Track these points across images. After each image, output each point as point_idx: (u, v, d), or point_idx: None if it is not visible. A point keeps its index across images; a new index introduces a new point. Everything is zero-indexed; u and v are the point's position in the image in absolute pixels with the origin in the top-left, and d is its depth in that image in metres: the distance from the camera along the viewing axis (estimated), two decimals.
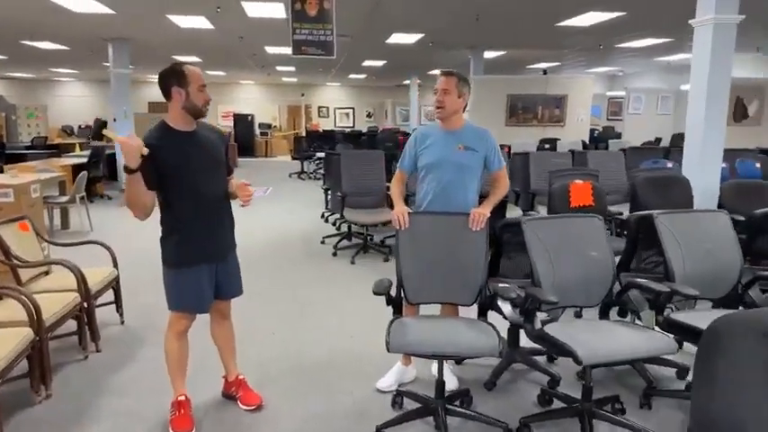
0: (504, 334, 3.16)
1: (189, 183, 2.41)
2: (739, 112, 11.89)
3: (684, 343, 2.90)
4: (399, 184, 2.99)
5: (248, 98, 21.70)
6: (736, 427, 1.15)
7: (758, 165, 6.26)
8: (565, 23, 8.76)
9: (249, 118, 19.30)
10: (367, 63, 14.39)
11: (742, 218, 3.53)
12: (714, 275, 2.81)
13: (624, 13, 7.99)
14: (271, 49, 11.91)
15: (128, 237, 5.76)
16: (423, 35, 10.13)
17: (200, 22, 8.71)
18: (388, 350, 2.35)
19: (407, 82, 18.45)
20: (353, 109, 22.51)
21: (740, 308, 2.83)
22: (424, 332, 2.48)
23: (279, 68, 15.92)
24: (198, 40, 10.57)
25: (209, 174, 2.49)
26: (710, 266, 2.81)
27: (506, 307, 2.74)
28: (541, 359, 3.25)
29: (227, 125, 19.41)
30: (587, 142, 11.40)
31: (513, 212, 5.36)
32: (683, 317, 2.56)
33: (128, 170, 2.26)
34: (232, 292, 2.69)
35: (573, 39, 10.39)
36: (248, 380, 2.89)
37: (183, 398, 2.62)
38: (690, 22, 4.85)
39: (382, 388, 2.91)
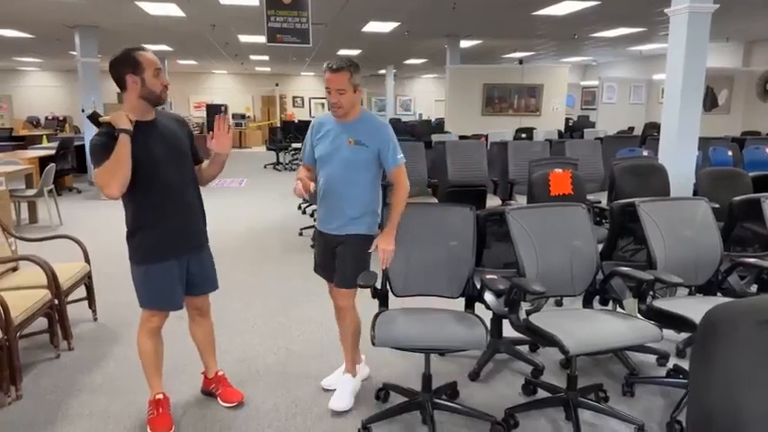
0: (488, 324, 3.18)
1: (152, 175, 2.31)
2: (710, 102, 12.13)
3: (664, 330, 2.93)
4: (303, 173, 2.68)
5: (221, 88, 21.31)
6: (732, 415, 1.15)
7: (730, 152, 6.39)
8: (541, 12, 8.77)
9: (222, 108, 18.96)
10: (343, 52, 14.23)
11: (717, 205, 3.57)
12: (695, 262, 2.83)
13: (599, 2, 8.03)
14: (244, 38, 11.67)
15: (99, 231, 5.59)
16: (399, 24, 10.05)
17: (170, 9, 8.46)
18: (374, 344, 2.30)
19: (383, 72, 18.35)
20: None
21: (719, 294, 2.87)
22: (410, 326, 2.43)
23: (253, 58, 15.64)
24: (168, 28, 10.29)
25: (174, 165, 2.38)
26: (691, 254, 2.83)
27: (490, 297, 2.73)
28: (524, 349, 3.25)
29: (198, 116, 19.05)
30: (563, 131, 11.50)
31: (492, 202, 5.36)
32: (665, 304, 2.58)
33: (121, 131, 2.19)
34: (206, 287, 2.62)
35: (548, 28, 10.43)
36: (228, 376, 2.82)
37: (160, 396, 2.54)
38: (665, 11, 4.88)
39: (338, 409, 2.63)
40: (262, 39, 6.99)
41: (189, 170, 2.47)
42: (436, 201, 5.42)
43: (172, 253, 2.41)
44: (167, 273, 2.41)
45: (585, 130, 11.03)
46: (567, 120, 13.77)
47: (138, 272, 2.41)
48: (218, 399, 2.73)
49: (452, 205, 2.76)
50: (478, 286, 2.64)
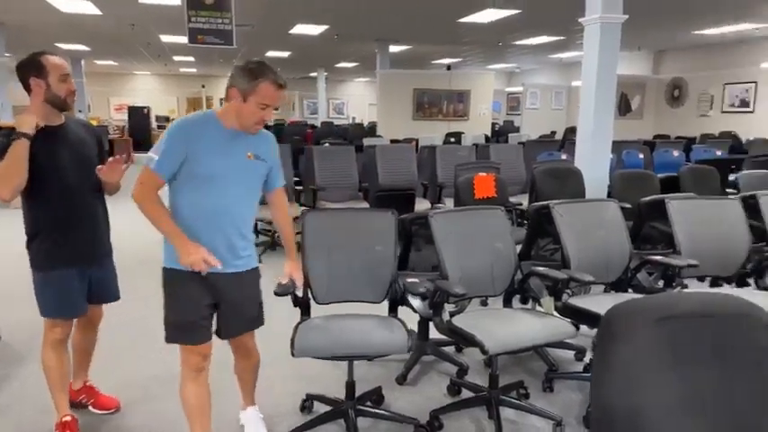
0: (414, 327, 3.20)
1: (54, 181, 2.24)
2: (624, 107, 12.88)
3: (581, 326, 3.06)
4: (155, 198, 1.99)
5: (144, 90, 20.45)
6: (633, 411, 1.19)
7: (641, 155, 6.79)
8: (466, 20, 9.00)
9: (145, 110, 18.22)
10: (271, 54, 14.02)
11: (629, 205, 3.77)
12: (606, 261, 2.97)
13: (520, 11, 8.34)
14: (166, 38, 11.25)
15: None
16: (328, 27, 10.01)
17: (84, 7, 8.02)
18: (293, 354, 2.25)
19: (315, 74, 18.22)
20: None
21: (630, 291, 3.02)
22: (332, 333, 2.39)
23: (177, 59, 15.10)
24: (83, 27, 9.75)
25: (78, 172, 2.31)
26: (603, 252, 2.97)
27: (416, 301, 2.75)
28: (450, 349, 3.30)
29: (120, 118, 18.16)
30: (489, 136, 11.85)
31: (422, 205, 5.42)
32: (579, 301, 2.69)
33: (20, 136, 2.10)
34: (107, 296, 2.52)
35: (474, 35, 10.72)
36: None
37: (68, 418, 2.39)
38: (580, 20, 5.13)
39: None
40: (184, 39, 6.75)
41: (94, 178, 2.36)
42: (367, 205, 5.42)
43: (74, 260, 2.32)
44: (69, 279, 2.31)
45: (510, 134, 11.42)
46: (494, 125, 14.20)
47: (38, 278, 2.32)
48: (92, 408, 2.66)
49: (374, 210, 2.76)
50: (400, 290, 2.64)
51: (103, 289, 2.48)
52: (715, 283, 3.24)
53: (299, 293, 2.48)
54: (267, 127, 2.28)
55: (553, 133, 12.23)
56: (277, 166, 2.24)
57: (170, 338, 2.10)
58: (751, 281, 3.14)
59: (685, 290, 2.95)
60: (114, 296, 2.55)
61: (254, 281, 2.22)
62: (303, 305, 2.53)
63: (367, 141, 8.32)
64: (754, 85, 11.25)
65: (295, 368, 2.95)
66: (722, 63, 11.74)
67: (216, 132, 2.03)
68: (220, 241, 2.05)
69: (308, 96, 19.96)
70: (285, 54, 14.20)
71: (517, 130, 13.31)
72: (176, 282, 2.06)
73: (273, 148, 2.22)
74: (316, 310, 2.58)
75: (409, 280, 2.51)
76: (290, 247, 2.38)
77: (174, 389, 2.17)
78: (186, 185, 2.02)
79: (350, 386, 2.49)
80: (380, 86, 11.74)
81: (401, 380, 2.97)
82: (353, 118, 21.00)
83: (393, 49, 12.31)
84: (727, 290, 3.07)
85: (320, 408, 2.68)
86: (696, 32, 10.39)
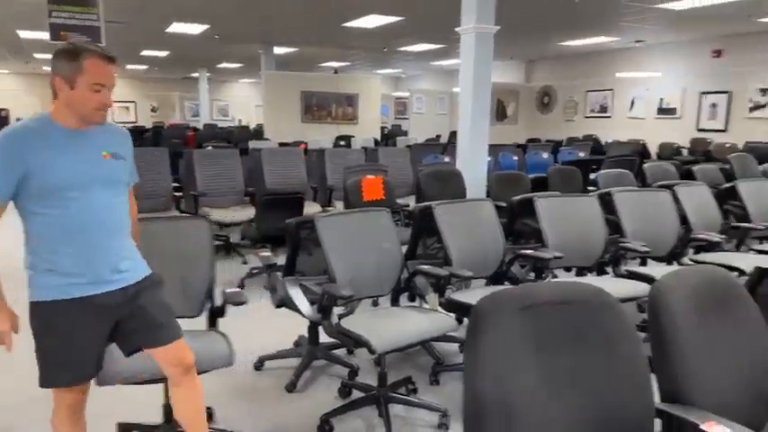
0: (305, 332, 3.18)
1: None
2: (500, 113, 13.73)
3: (465, 319, 3.22)
4: None
5: (3, 90, 18.38)
6: (502, 399, 1.27)
7: (515, 157, 7.29)
8: (350, 24, 9.11)
9: (3, 113, 16.41)
10: (147, 53, 13.23)
11: (504, 204, 4.04)
12: (484, 256, 3.16)
13: (402, 18, 8.60)
14: (25, 34, 10.20)
15: None
16: (208, 27, 9.65)
17: None
18: (98, 383, 1.94)
19: (196, 74, 17.46)
20: (135, 103, 20.50)
21: (506, 283, 3.23)
22: (139, 355, 1.95)
23: (38, 56, 13.73)
24: None
25: None
26: (481, 249, 3.15)
27: (304, 304, 2.73)
28: (343, 352, 3.32)
29: None
30: (379, 140, 12.08)
31: (312, 208, 5.40)
32: (460, 296, 2.83)
33: None
34: None
35: (360, 40, 10.88)
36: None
37: None
38: (456, 29, 5.39)
39: None
40: (46, 35, 6.16)
41: None
42: (252, 210, 5.28)
43: None
44: None
45: (398, 138, 11.74)
46: (383, 128, 14.51)
47: None
48: None
49: (187, 218, 2.61)
50: (219, 302, 2.41)
51: None
52: (580, 272, 3.57)
53: None
54: (145, 129, 2.09)
55: (438, 137, 12.74)
56: (132, 163, 1.97)
57: (46, 382, 1.82)
58: (609, 269, 3.48)
59: (554, 279, 3.22)
60: None
61: (151, 290, 1.92)
62: None
63: (253, 144, 8.12)
64: (611, 92, 12.52)
65: (112, 396, 2.29)
66: (584, 72, 12.93)
67: (58, 135, 1.75)
68: (95, 259, 1.79)
69: (190, 98, 19.06)
70: (163, 53, 13.47)
71: (405, 133, 13.70)
72: (50, 315, 1.78)
73: (130, 145, 1.96)
74: None
75: (228, 290, 2.41)
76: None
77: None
78: (38, 204, 1.73)
79: (166, 408, 2.27)
80: (266, 88, 11.53)
81: (291, 387, 2.93)
82: (239, 120, 20.41)
83: (278, 50, 12.14)
84: (589, 278, 3.39)
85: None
86: (561, 44, 11.35)
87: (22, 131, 1.74)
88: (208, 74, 17.17)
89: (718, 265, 2.34)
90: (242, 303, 2.34)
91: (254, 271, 4.87)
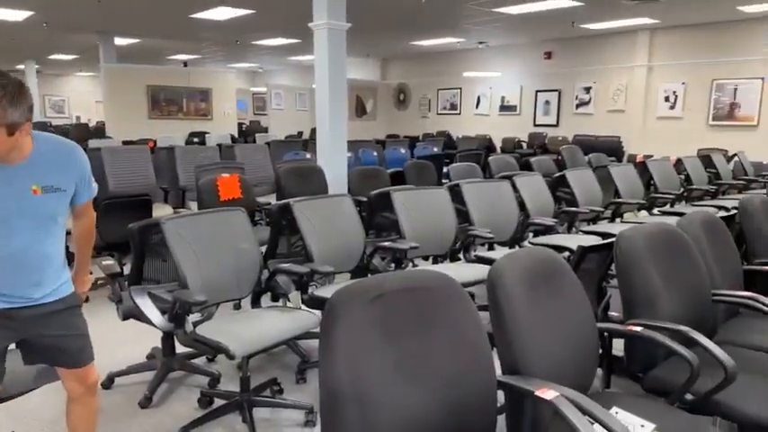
0: (158, 343, 2.97)
1: None
2: (360, 109, 14.00)
3: None
4: None
5: None
6: (355, 386, 1.29)
7: (375, 153, 7.48)
8: (198, 16, 8.66)
9: None
10: None
11: (365, 198, 4.11)
12: (346, 251, 3.19)
13: (254, 11, 8.37)
14: None
15: None
16: (33, 13, 8.57)
17: None
18: None
19: (22, 66, 15.47)
20: None
21: (368, 275, 3.30)
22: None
23: None
24: None
25: None
26: (342, 243, 3.18)
27: (155, 314, 2.55)
28: (202, 360, 3.16)
29: None
30: (236, 136, 11.66)
31: (163, 211, 5.05)
32: (322, 292, 2.82)
33: None
34: None
35: (210, 32, 10.39)
36: None
37: None
38: (309, 25, 5.37)
39: None
40: None
41: None
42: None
43: None
44: None
45: (257, 134, 11.43)
46: (241, 125, 14.04)
47: None
48: None
49: None
50: None
51: None
52: (435, 260, 3.76)
53: None
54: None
55: (300, 134, 12.64)
56: (84, 181, 1.87)
57: None
58: (461, 255, 3.71)
59: (415, 268, 3.35)
60: None
61: (67, 313, 1.91)
62: None
63: (93, 143, 7.39)
64: (459, 90, 13.36)
65: None
66: (436, 71, 13.64)
67: None
68: (13, 286, 1.77)
69: None
70: None
71: (265, 130, 13.38)
72: None
73: (76, 168, 1.83)
74: None
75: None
76: (86, 263, 2.16)
77: None
78: None
79: None
80: (107, 82, 10.58)
81: (145, 403, 2.73)
82: (78, 117, 18.50)
83: (120, 41, 11.18)
84: (443, 265, 3.58)
85: None
86: (412, 43, 11.84)
87: None
88: (37, 66, 15.32)
89: (551, 246, 2.60)
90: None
91: (99, 282, 4.44)
